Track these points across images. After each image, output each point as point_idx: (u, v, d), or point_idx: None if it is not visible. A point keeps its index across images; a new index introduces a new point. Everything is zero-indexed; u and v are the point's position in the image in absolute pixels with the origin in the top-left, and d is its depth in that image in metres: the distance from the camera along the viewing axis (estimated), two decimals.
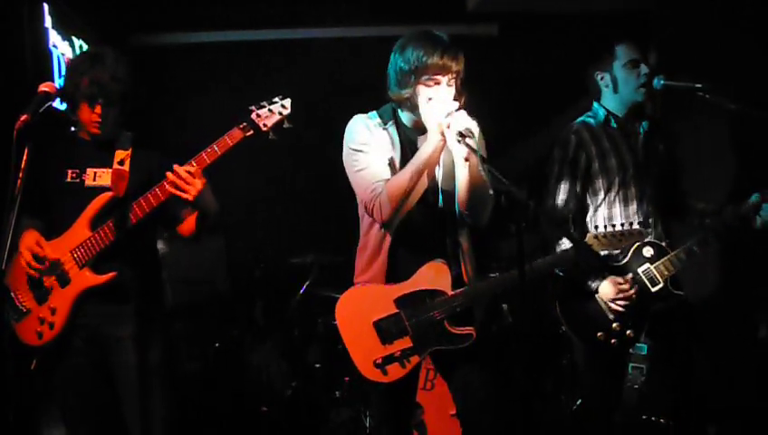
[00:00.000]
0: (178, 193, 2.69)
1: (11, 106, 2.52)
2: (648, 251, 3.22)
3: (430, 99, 2.74)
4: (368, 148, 2.84)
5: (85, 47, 4.51)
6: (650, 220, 3.29)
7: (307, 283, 4.86)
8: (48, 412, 3.43)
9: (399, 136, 2.89)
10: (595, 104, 3.41)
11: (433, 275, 2.83)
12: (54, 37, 4.11)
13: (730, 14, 4.24)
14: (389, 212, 2.76)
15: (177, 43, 5.66)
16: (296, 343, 4.98)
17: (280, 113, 2.73)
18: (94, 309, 2.84)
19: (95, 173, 2.89)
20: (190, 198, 2.70)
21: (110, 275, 2.80)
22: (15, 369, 2.58)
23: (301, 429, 4.72)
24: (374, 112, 2.95)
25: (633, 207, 3.29)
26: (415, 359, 2.82)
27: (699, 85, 3.14)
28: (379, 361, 2.81)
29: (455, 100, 2.76)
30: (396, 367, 2.81)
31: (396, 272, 2.85)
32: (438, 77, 2.75)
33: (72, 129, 3.01)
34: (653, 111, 5.10)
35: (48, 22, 4.04)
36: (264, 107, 2.73)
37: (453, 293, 2.81)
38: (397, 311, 2.84)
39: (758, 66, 3.99)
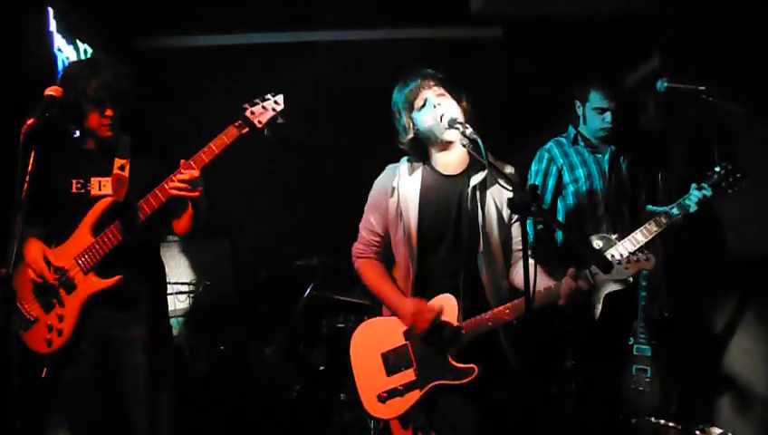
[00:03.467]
0: (185, 195, 2.74)
1: (16, 110, 2.52)
2: (597, 243, 3.32)
3: (434, 109, 2.85)
4: (373, 208, 3.05)
5: (90, 51, 4.52)
6: (617, 225, 3.66)
7: (312, 285, 4.87)
8: (55, 418, 3.43)
9: (424, 179, 2.96)
10: (570, 127, 3.92)
11: (441, 307, 2.84)
12: (59, 41, 4.11)
13: (731, 17, 4.23)
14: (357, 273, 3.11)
15: (180, 46, 5.67)
16: (301, 346, 4.99)
17: (273, 109, 2.79)
18: (102, 313, 2.85)
19: (100, 182, 2.90)
20: (196, 195, 2.77)
21: (116, 278, 2.81)
22: (22, 376, 2.58)
23: (305, 430, 4.73)
24: (405, 161, 3.05)
25: (600, 211, 3.73)
26: (416, 393, 2.83)
27: (703, 87, 3.17)
28: (384, 395, 2.85)
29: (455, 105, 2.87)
30: (397, 401, 2.84)
31: (420, 296, 2.91)
32: (423, 92, 2.86)
33: (76, 135, 3.02)
34: (655, 115, 5.14)
35: (53, 26, 4.04)
36: (258, 104, 2.79)
37: (457, 325, 2.82)
38: (404, 342, 2.89)
39: (759, 68, 3.99)
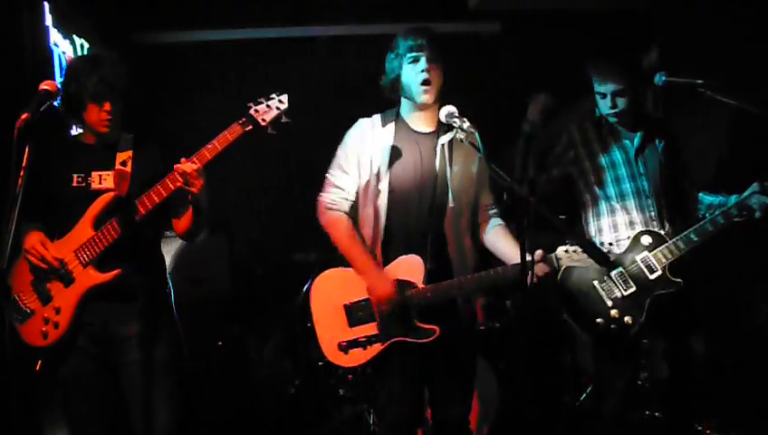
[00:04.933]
0: (185, 187, 2.73)
1: (12, 105, 2.52)
2: (646, 239, 3.34)
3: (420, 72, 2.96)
4: (346, 159, 3.07)
5: (86, 46, 4.51)
6: (651, 213, 3.40)
7: (310, 280, 4.85)
8: (52, 412, 3.42)
9: (396, 133, 3.04)
10: (597, 109, 3.57)
11: (407, 268, 2.93)
12: (55, 36, 4.09)
13: (733, 12, 4.23)
14: (322, 226, 3.09)
15: (178, 41, 5.66)
16: (299, 341, 4.98)
17: (277, 108, 2.81)
18: (100, 307, 2.84)
19: (100, 176, 2.90)
20: (195, 191, 2.75)
21: (115, 272, 2.80)
22: (17, 370, 2.56)
23: (304, 426, 4.73)
24: (378, 115, 3.12)
25: (631, 202, 3.42)
26: (377, 346, 2.91)
27: (701, 81, 3.18)
28: (344, 344, 2.92)
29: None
30: (358, 352, 2.92)
31: (388, 253, 2.99)
32: (418, 54, 2.95)
33: (73, 132, 3.02)
34: (655, 109, 5.12)
35: (49, 20, 4.02)
36: (262, 103, 2.81)
37: (423, 287, 2.89)
38: (368, 296, 2.95)
39: (760, 62, 3.99)
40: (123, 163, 2.89)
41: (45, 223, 2.91)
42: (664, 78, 3.30)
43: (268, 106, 2.80)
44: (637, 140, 3.47)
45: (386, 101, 3.12)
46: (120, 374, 2.88)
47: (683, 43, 4.73)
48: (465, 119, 2.78)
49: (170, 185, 2.76)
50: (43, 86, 2.44)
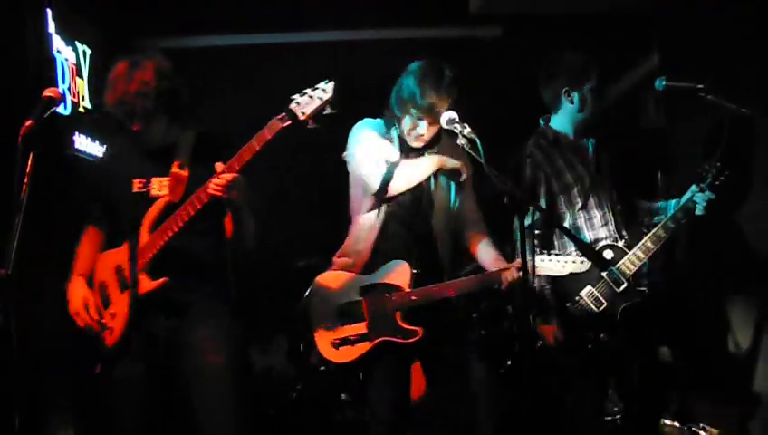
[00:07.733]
0: (223, 196, 2.67)
1: (15, 112, 2.53)
2: (608, 254, 3.34)
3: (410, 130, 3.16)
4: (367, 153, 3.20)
5: (89, 52, 4.53)
6: (612, 226, 3.44)
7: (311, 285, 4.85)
8: (57, 417, 3.44)
9: (400, 144, 3.22)
10: (542, 123, 3.60)
11: (394, 273, 3.12)
12: (58, 42, 4.11)
13: (736, 16, 4.22)
14: None
15: (180, 46, 5.66)
16: (301, 345, 4.98)
17: (320, 98, 2.58)
18: (157, 313, 2.83)
19: (160, 183, 2.87)
20: (233, 198, 2.71)
21: (161, 280, 2.77)
22: (23, 372, 2.56)
23: (306, 431, 4.73)
24: (381, 121, 3.26)
25: (597, 216, 3.45)
26: (365, 345, 3.10)
27: (701, 86, 3.19)
28: (336, 341, 3.12)
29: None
30: (347, 350, 3.11)
31: (372, 268, 3.19)
32: (422, 118, 3.10)
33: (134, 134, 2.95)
34: (656, 114, 5.12)
35: (51, 27, 4.04)
36: (305, 94, 2.61)
37: (408, 291, 3.06)
38: (359, 299, 3.15)
39: (762, 67, 3.99)
40: (181, 166, 2.83)
41: (110, 226, 2.97)
42: (664, 83, 3.30)
43: (310, 97, 2.58)
44: (591, 153, 3.50)
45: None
46: (176, 381, 2.85)
47: (684, 46, 4.73)
48: (465, 124, 2.80)
49: (208, 192, 2.67)
50: (47, 93, 2.46)
